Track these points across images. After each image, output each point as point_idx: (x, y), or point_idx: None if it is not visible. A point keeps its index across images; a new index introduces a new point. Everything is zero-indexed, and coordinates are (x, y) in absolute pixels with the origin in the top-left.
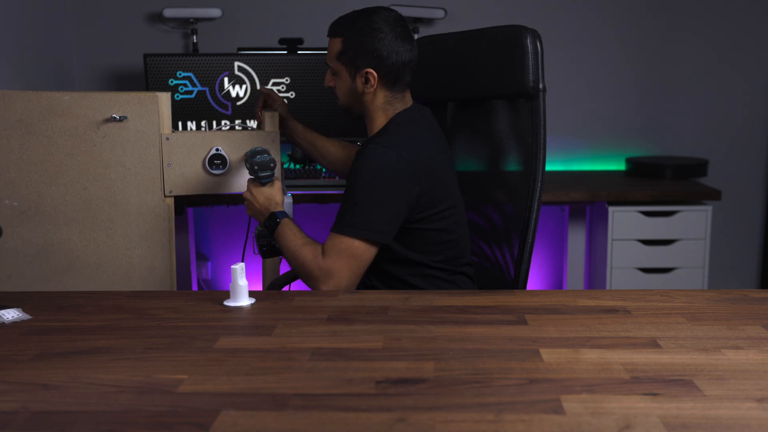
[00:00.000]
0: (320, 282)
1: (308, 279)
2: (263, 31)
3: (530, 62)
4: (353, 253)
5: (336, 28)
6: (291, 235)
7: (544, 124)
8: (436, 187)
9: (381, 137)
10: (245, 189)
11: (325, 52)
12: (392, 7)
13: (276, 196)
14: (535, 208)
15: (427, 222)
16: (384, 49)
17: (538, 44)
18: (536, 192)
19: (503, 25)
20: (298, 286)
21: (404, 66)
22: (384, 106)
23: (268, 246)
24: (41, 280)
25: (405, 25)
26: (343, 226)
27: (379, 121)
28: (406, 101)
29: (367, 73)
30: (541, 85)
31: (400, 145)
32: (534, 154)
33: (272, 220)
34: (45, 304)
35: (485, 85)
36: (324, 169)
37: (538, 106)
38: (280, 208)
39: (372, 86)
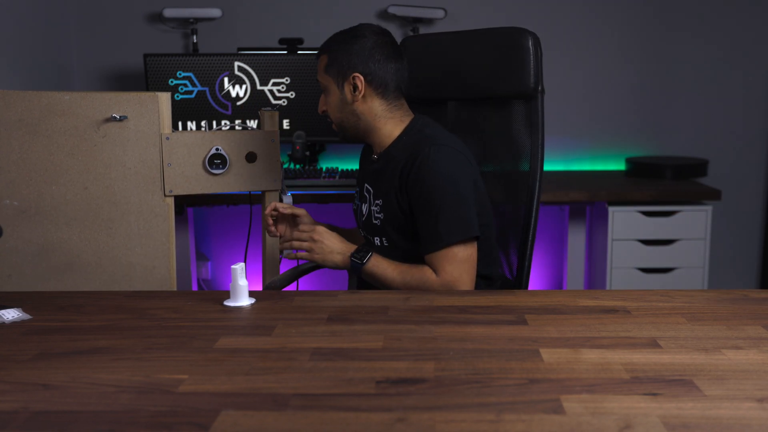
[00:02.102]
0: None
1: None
2: (263, 31)
3: (532, 64)
4: (463, 257)
5: (322, 47)
6: (389, 265)
7: (543, 124)
8: (482, 196)
9: (427, 139)
10: (244, 188)
11: None
12: (392, 7)
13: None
14: (535, 208)
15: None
16: (367, 52)
17: (539, 47)
18: (536, 192)
19: (504, 27)
20: (301, 285)
21: (393, 70)
22: (385, 114)
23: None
24: (41, 279)
25: (389, 35)
26: (443, 236)
27: (389, 129)
28: (408, 112)
29: (354, 77)
30: (540, 87)
31: (452, 140)
32: (533, 154)
33: (361, 254)
34: (45, 304)
35: (485, 86)
36: (324, 168)
37: (537, 106)
38: (354, 246)
39: (360, 92)
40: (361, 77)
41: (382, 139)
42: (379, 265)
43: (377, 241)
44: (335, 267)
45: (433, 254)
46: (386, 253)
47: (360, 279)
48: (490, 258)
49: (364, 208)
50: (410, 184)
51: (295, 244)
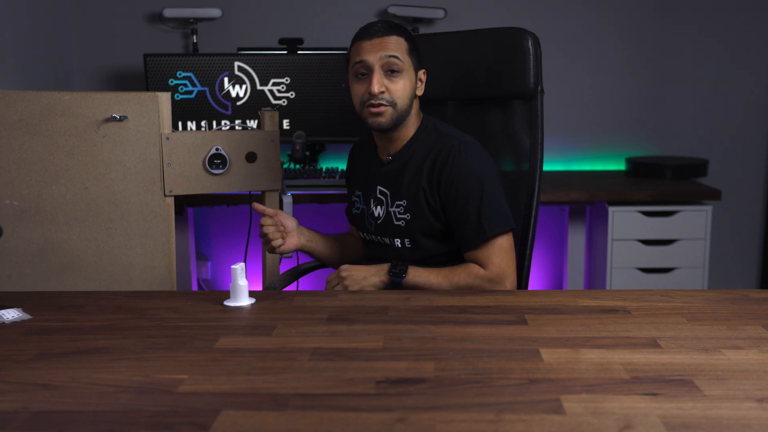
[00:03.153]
0: (496, 288)
1: (482, 290)
2: (263, 31)
3: (531, 64)
4: (507, 247)
5: (394, 27)
6: (429, 272)
7: (542, 124)
8: None
9: (450, 138)
10: (244, 188)
11: (325, 52)
12: (392, 7)
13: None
14: (535, 207)
15: None
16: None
17: (538, 47)
18: (535, 192)
19: (504, 27)
20: (301, 285)
21: None
22: (414, 113)
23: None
24: (41, 279)
25: None
26: (487, 230)
27: (409, 128)
28: (419, 112)
29: (424, 72)
30: (539, 87)
31: (471, 138)
32: (533, 154)
33: (398, 268)
34: (45, 304)
35: (485, 86)
36: (324, 168)
37: (537, 106)
38: (384, 265)
39: (422, 86)
40: (425, 74)
41: (401, 138)
42: (419, 274)
43: (398, 243)
44: (376, 288)
45: (479, 249)
46: (409, 254)
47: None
48: None
49: (379, 210)
50: (443, 184)
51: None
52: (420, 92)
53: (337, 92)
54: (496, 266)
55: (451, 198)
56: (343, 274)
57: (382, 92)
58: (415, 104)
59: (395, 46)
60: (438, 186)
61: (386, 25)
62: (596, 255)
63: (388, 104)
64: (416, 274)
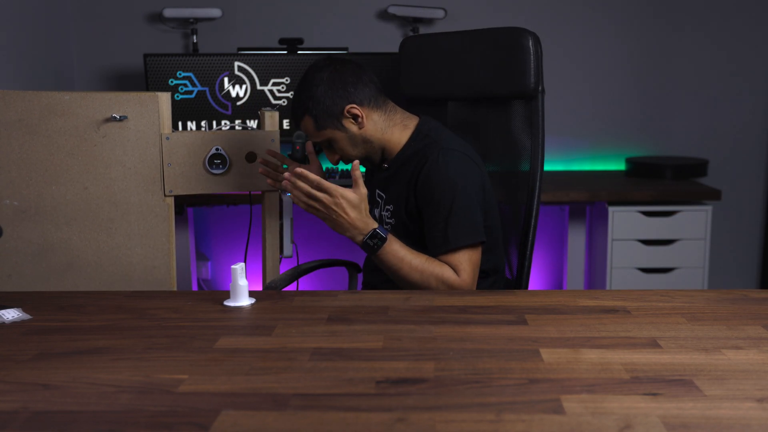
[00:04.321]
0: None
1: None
2: (263, 31)
3: (532, 64)
4: (474, 260)
5: (297, 113)
6: (405, 256)
7: (543, 124)
8: (489, 197)
9: (436, 144)
10: (244, 188)
11: (325, 52)
12: (392, 7)
13: (368, 213)
14: (535, 207)
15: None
16: (338, 83)
17: (539, 47)
18: (536, 192)
19: (504, 27)
20: (301, 285)
21: (368, 81)
22: (388, 123)
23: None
24: (41, 279)
25: (337, 58)
26: (453, 239)
27: (396, 136)
28: (407, 114)
29: (348, 110)
30: (540, 87)
31: (459, 144)
32: (533, 154)
33: (374, 241)
34: (45, 304)
35: (485, 86)
36: (324, 168)
37: (537, 106)
38: (371, 226)
39: (361, 117)
40: (354, 105)
41: (393, 148)
42: (394, 252)
43: None
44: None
45: (444, 257)
46: None
47: (366, 279)
48: (497, 257)
49: (376, 213)
50: (419, 188)
51: (311, 210)
52: (362, 126)
53: None
54: (467, 275)
55: (425, 202)
56: (340, 202)
57: (338, 159)
58: (376, 125)
59: (308, 130)
60: (415, 190)
61: (293, 111)
62: (596, 255)
63: (350, 161)
64: (390, 251)
